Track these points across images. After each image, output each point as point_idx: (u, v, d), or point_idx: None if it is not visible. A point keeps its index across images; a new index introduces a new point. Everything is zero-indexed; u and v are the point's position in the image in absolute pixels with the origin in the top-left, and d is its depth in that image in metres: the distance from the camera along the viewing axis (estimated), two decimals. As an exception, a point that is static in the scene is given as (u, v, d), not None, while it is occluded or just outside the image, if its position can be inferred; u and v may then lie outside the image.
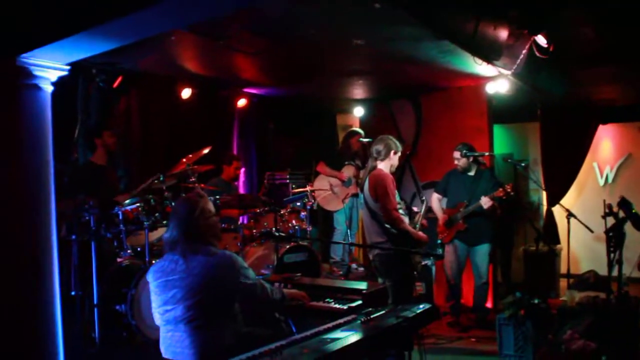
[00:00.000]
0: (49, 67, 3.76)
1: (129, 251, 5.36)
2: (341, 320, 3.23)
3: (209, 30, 4.86)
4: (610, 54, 6.12)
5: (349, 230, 7.67)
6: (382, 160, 5.23)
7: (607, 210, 4.99)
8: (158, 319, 3.28)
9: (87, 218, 4.84)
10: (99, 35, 3.27)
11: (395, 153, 5.23)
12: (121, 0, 2.97)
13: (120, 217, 5.18)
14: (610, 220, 4.91)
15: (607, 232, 4.47)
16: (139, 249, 5.42)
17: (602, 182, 9.48)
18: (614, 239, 4.44)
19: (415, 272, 5.37)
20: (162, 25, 3.48)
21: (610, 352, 4.29)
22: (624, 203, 4.59)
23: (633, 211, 4.47)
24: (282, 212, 6.40)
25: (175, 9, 2.98)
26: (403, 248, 5.02)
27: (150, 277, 3.34)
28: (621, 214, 4.56)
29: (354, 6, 4.45)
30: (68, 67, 3.86)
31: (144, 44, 5.00)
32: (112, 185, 5.86)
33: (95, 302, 4.78)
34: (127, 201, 5.24)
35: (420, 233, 5.18)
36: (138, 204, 5.15)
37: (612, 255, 4.72)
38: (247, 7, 4.16)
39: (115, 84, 5.97)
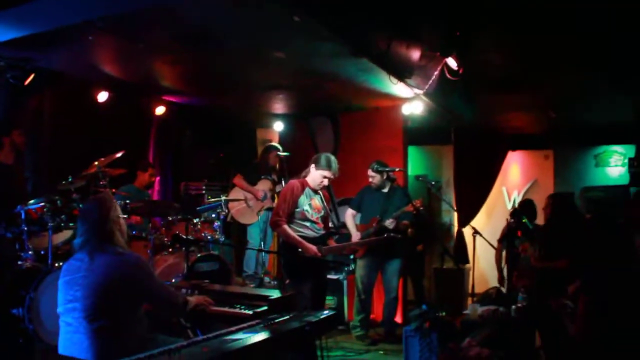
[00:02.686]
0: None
1: (30, 253, 5.11)
2: (245, 325, 3.24)
3: (128, 33, 4.80)
4: (517, 82, 6.49)
5: (262, 243, 7.64)
6: (309, 172, 5.33)
7: (504, 230, 5.26)
8: (60, 320, 3.18)
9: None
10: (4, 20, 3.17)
11: (317, 169, 5.28)
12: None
13: (23, 217, 4.97)
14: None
15: (500, 240, 4.70)
16: (42, 252, 5.19)
17: (509, 205, 9.92)
18: (510, 253, 4.67)
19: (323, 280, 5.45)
20: (70, 14, 3.40)
21: (506, 358, 4.50)
22: (515, 213, 4.85)
23: (523, 221, 4.72)
24: (194, 221, 6.33)
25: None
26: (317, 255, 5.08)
27: (60, 276, 3.25)
28: (513, 224, 4.82)
29: (274, 18, 4.52)
30: (-26, 57, 3.72)
31: (61, 42, 4.92)
32: (18, 185, 5.62)
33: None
34: (31, 201, 5.03)
35: (307, 245, 5.15)
36: (43, 204, 4.96)
37: (508, 270, 4.96)
38: (165, 9, 4.15)
39: (27, 82, 5.76)
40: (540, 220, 5.51)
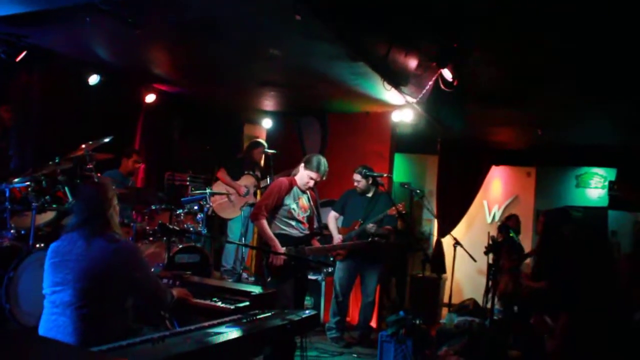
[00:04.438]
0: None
1: (12, 232, 5.06)
2: (227, 319, 3.24)
3: (128, 17, 4.76)
4: (507, 97, 6.56)
5: (243, 239, 7.63)
6: (298, 171, 5.37)
7: (489, 242, 5.32)
8: (45, 300, 3.14)
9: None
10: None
11: (305, 169, 5.33)
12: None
13: (7, 195, 4.92)
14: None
15: (486, 252, 4.75)
16: (22, 232, 5.13)
17: (489, 219, 10.05)
18: (492, 267, 4.72)
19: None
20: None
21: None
22: (503, 227, 4.92)
23: (510, 235, 4.79)
24: (178, 212, 6.30)
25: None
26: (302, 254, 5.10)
27: (47, 257, 3.21)
28: (499, 238, 4.87)
29: (275, 14, 4.52)
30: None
31: (57, 21, 4.86)
32: (1, 162, 5.55)
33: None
34: (16, 180, 4.97)
35: (278, 246, 5.20)
36: (28, 184, 4.90)
37: (489, 284, 5.02)
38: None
39: (18, 58, 5.68)
40: (525, 235, 5.57)
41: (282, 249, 5.18)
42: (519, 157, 9.86)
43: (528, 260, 7.32)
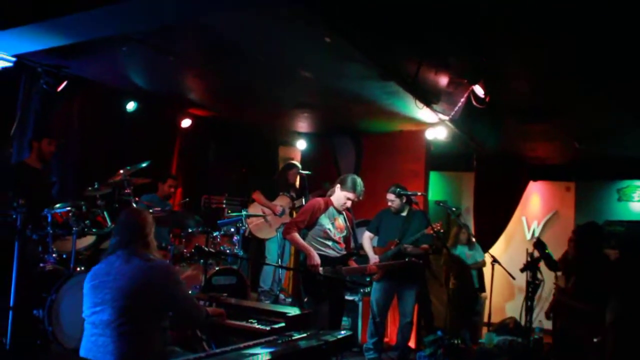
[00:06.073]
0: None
1: (54, 255, 5.19)
2: (262, 340, 3.25)
3: (162, 45, 4.89)
4: (542, 111, 6.48)
5: (280, 260, 7.65)
6: (334, 191, 5.41)
7: (528, 259, 5.22)
8: (86, 323, 3.21)
9: (13, 217, 4.68)
10: (46, 29, 3.26)
11: (342, 190, 5.35)
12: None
13: (49, 220, 5.05)
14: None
15: (523, 269, 4.66)
16: (64, 255, 5.26)
17: (529, 236, 9.87)
18: (531, 285, 4.63)
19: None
20: (110, 27, 3.49)
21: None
22: (538, 244, 4.83)
23: (547, 251, 4.70)
24: (214, 234, 6.36)
25: (126, 13, 3.02)
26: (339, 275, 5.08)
27: (85, 280, 3.29)
28: (536, 254, 4.78)
29: (305, 38, 4.58)
30: (13, 59, 3.81)
31: (95, 51, 5.01)
32: (45, 189, 5.71)
33: (10, 304, 4.59)
34: (58, 205, 5.11)
35: (313, 253, 5.21)
36: (69, 209, 5.04)
37: (528, 302, 4.92)
38: (201, 24, 4.22)
39: (59, 88, 5.87)
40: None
41: (317, 257, 5.18)
42: (557, 171, 9.69)
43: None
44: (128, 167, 5.70)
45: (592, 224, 4.98)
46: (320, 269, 5.19)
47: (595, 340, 4.39)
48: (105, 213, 5.40)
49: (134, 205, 5.81)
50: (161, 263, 3.35)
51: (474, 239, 8.56)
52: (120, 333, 3.06)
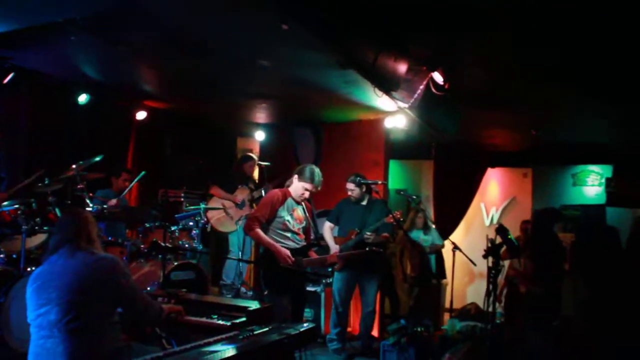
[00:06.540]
0: None
1: (1, 256, 5.00)
2: (223, 336, 3.18)
3: (110, 34, 4.73)
4: (499, 99, 6.53)
5: (240, 253, 7.56)
6: (292, 182, 5.33)
7: (488, 245, 5.25)
8: (31, 327, 3.07)
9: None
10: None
11: (299, 180, 5.27)
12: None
13: (-5, 219, 4.86)
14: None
15: (485, 255, 4.68)
16: (14, 255, 5.07)
17: (487, 222, 10.01)
18: (492, 270, 4.66)
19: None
20: (52, 11, 3.32)
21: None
22: (501, 229, 4.86)
23: (509, 237, 4.73)
24: (172, 229, 6.23)
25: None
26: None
27: (28, 284, 3.15)
28: (498, 240, 4.81)
29: (260, 24, 4.47)
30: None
31: (41, 41, 4.82)
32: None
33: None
34: (5, 202, 4.90)
35: (280, 248, 5.13)
36: (17, 206, 4.84)
37: (490, 287, 4.94)
38: (146, 11, 4.10)
39: (5, 80, 5.63)
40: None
41: (285, 250, 5.10)
42: (514, 158, 9.84)
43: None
44: (81, 162, 5.53)
45: (550, 209, 5.06)
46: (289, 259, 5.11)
47: (554, 324, 4.46)
48: (57, 210, 5.22)
49: (88, 201, 5.65)
50: (107, 255, 3.23)
51: (432, 225, 8.63)
52: (68, 331, 2.93)
